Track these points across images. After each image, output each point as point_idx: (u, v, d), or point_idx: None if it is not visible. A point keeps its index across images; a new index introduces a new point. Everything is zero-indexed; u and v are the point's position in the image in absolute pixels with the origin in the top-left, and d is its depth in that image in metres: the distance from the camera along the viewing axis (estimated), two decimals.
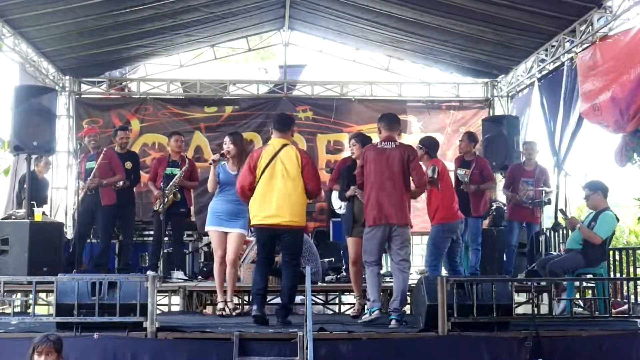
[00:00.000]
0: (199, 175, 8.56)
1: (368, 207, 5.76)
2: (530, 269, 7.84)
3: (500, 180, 9.50)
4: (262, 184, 5.66)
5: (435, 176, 6.44)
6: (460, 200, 7.86)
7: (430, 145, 6.82)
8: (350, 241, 6.23)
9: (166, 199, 7.91)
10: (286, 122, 5.99)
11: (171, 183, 7.93)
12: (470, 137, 8.14)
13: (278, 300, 6.37)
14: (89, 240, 8.21)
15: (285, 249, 5.79)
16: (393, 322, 5.69)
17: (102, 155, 7.94)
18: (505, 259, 8.27)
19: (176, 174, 8.01)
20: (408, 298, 7.50)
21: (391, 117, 6.13)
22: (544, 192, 8.12)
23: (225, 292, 6.46)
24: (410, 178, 5.82)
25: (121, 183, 8.03)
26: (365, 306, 6.14)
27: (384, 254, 6.53)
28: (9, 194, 8.87)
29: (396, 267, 5.82)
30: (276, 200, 5.60)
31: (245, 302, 7.72)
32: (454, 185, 7.00)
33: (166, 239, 8.21)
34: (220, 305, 6.47)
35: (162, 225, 7.95)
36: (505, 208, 8.66)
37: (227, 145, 6.37)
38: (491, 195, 8.89)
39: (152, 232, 8.55)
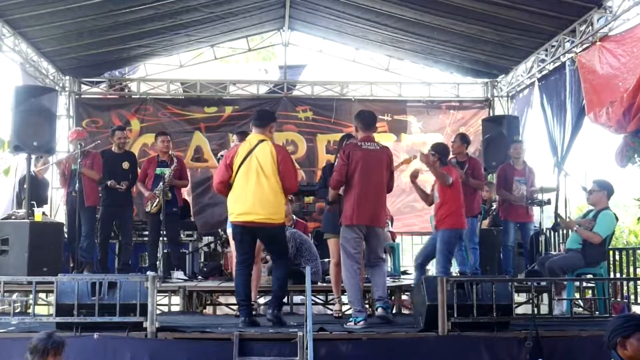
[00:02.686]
0: (197, 174, 8.57)
1: (349, 206, 5.73)
2: (530, 269, 7.84)
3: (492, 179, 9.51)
4: (237, 181, 5.58)
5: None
6: None
7: (442, 152, 6.81)
8: (334, 241, 6.16)
9: (157, 200, 7.92)
10: (264, 117, 5.87)
11: (160, 183, 7.94)
12: (462, 138, 8.20)
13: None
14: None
15: (267, 248, 5.70)
16: (379, 310, 5.73)
17: (87, 156, 8.00)
18: (502, 259, 8.28)
19: (166, 174, 8.01)
20: (407, 298, 7.53)
21: (369, 117, 6.05)
22: (538, 190, 8.18)
23: (222, 292, 6.46)
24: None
25: (123, 185, 8.07)
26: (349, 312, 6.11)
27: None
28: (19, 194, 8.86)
29: (372, 264, 5.89)
30: (251, 197, 5.51)
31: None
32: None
33: (165, 239, 8.21)
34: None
35: (156, 226, 7.98)
36: (498, 208, 8.67)
37: (235, 143, 6.35)
38: (491, 196, 8.88)
39: None
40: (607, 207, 6.61)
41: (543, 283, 6.88)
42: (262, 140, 5.63)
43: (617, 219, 6.73)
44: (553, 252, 7.84)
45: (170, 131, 9.73)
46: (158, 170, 8.05)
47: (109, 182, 8.06)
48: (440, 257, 6.64)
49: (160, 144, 8.30)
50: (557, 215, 7.80)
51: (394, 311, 7.58)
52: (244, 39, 11.93)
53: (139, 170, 8.55)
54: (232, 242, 6.37)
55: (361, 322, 5.62)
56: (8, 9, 8.29)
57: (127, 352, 5.04)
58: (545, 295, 7.55)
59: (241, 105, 11.45)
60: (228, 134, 10.83)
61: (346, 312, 6.58)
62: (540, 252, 8.13)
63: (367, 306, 6.23)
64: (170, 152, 8.31)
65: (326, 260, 8.09)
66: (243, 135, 6.41)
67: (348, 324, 5.71)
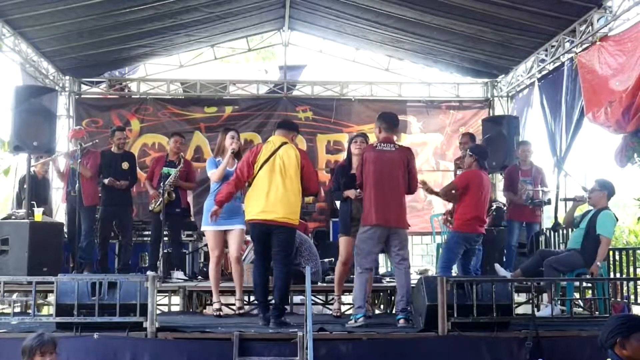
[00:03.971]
0: (197, 175, 8.59)
1: (367, 208, 5.77)
2: (527, 263, 7.70)
3: (499, 180, 9.52)
4: (259, 180, 5.66)
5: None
6: None
7: (481, 155, 6.76)
8: (344, 240, 6.19)
9: (161, 198, 7.93)
10: (291, 125, 6.09)
11: (166, 182, 7.94)
12: (472, 138, 8.32)
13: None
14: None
15: (277, 246, 5.69)
16: (402, 321, 5.71)
17: (87, 155, 8.08)
18: (505, 259, 8.28)
19: (171, 174, 8.00)
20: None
21: (392, 118, 6.11)
22: (542, 191, 8.21)
23: (220, 292, 6.48)
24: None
25: (122, 183, 8.08)
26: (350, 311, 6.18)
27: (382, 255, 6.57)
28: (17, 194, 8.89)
29: (398, 268, 5.84)
30: (273, 196, 5.59)
31: (245, 302, 7.71)
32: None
33: (166, 239, 8.21)
34: (216, 306, 6.46)
35: (159, 225, 7.96)
36: (505, 208, 8.68)
37: (236, 141, 6.38)
38: (491, 196, 8.87)
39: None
40: (607, 207, 6.60)
41: (543, 283, 6.87)
42: (284, 143, 5.75)
43: (616, 218, 6.73)
44: (553, 249, 7.84)
45: (171, 131, 9.72)
46: (164, 170, 8.05)
47: (106, 180, 8.06)
48: (441, 255, 6.75)
49: (173, 144, 8.29)
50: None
51: (394, 311, 7.60)
52: (244, 39, 11.93)
53: (138, 171, 8.53)
54: (209, 242, 6.42)
55: (360, 319, 5.67)
56: (8, 9, 8.29)
57: (127, 352, 5.04)
58: (545, 295, 7.55)
59: (241, 105, 11.45)
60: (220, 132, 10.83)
61: (345, 312, 6.59)
62: None
63: (367, 305, 6.23)
64: (180, 154, 8.31)
65: (326, 260, 8.10)
66: (238, 134, 6.49)
67: (349, 322, 5.74)
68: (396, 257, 5.83)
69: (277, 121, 6.57)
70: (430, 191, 6.93)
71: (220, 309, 6.41)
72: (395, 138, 6.02)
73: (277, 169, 5.62)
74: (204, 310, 8.14)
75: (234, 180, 5.82)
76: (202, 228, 6.46)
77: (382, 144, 5.87)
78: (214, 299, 6.49)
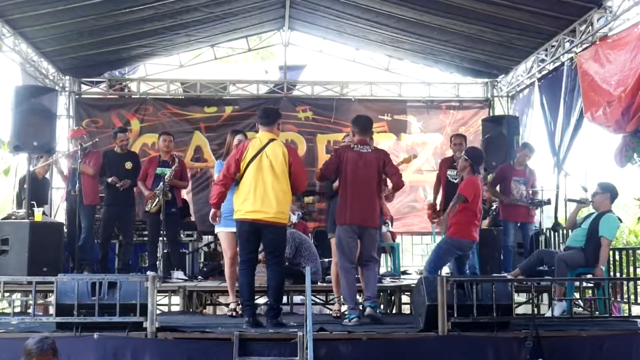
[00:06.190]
0: (197, 174, 8.59)
1: (341, 206, 5.89)
2: (525, 262, 7.71)
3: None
4: (247, 178, 5.56)
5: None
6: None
7: (475, 159, 6.65)
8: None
9: (157, 199, 7.91)
10: (270, 115, 5.85)
11: (166, 182, 7.93)
12: (466, 139, 8.36)
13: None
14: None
15: (267, 246, 5.64)
16: (368, 309, 5.79)
17: (88, 154, 8.10)
18: (502, 259, 8.28)
19: (166, 174, 7.97)
20: (407, 298, 7.52)
21: (365, 122, 6.23)
22: (537, 191, 8.24)
23: (221, 292, 6.46)
24: (388, 180, 6.04)
25: (125, 183, 8.08)
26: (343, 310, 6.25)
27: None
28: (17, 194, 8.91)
29: (367, 266, 5.97)
30: (261, 195, 5.51)
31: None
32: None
33: (165, 239, 8.21)
34: (232, 306, 6.45)
35: (157, 226, 7.97)
36: (495, 207, 8.70)
37: (236, 143, 6.32)
38: (490, 196, 8.88)
39: None
40: (610, 210, 6.59)
41: (543, 283, 6.87)
42: (272, 139, 5.65)
43: (620, 220, 6.72)
44: (553, 249, 7.83)
45: (170, 131, 9.72)
46: (158, 170, 8.01)
47: (109, 179, 8.07)
48: (430, 257, 6.69)
49: (162, 144, 8.28)
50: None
51: (393, 311, 7.61)
52: (243, 39, 11.93)
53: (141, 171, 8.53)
54: (223, 244, 6.35)
55: (354, 320, 5.73)
56: (8, 9, 8.29)
57: (127, 352, 5.04)
58: (545, 295, 7.55)
59: (241, 105, 11.45)
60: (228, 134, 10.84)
61: (345, 312, 6.59)
62: None
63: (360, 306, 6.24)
64: (172, 153, 8.30)
65: (326, 260, 8.10)
66: (234, 134, 6.46)
67: (344, 322, 5.80)
68: (365, 255, 5.93)
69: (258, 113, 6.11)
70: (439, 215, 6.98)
71: (234, 309, 6.39)
72: (369, 140, 6.11)
73: (265, 167, 5.52)
74: (204, 310, 8.15)
75: (221, 180, 5.67)
76: (216, 231, 6.42)
77: (359, 146, 5.99)
78: (231, 299, 6.47)
